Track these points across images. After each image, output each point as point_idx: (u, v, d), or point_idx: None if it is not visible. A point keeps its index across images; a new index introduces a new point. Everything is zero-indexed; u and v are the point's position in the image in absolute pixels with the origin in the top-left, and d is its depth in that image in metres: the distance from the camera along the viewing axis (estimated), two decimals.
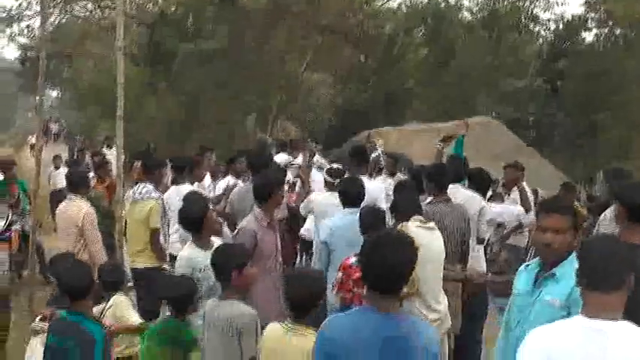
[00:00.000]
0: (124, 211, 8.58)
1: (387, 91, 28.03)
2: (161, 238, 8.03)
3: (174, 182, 9.07)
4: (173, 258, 7.17)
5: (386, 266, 3.73)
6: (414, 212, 6.43)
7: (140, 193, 8.26)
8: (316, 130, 28.22)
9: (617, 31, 27.15)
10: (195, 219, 5.79)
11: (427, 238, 6.24)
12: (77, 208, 8.00)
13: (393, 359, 3.73)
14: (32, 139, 41.30)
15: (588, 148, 24.46)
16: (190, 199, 6.25)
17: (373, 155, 12.15)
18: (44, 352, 5.29)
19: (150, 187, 8.23)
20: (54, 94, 48.36)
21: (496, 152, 16.18)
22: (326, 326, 3.80)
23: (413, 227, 6.27)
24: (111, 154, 17.61)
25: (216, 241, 5.90)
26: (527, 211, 9.39)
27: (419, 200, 6.75)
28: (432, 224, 6.41)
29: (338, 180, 7.82)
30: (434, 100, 27.35)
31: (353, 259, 6.17)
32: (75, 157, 20.80)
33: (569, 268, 4.17)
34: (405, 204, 6.58)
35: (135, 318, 5.76)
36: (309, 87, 24.25)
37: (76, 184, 8.32)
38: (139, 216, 8.09)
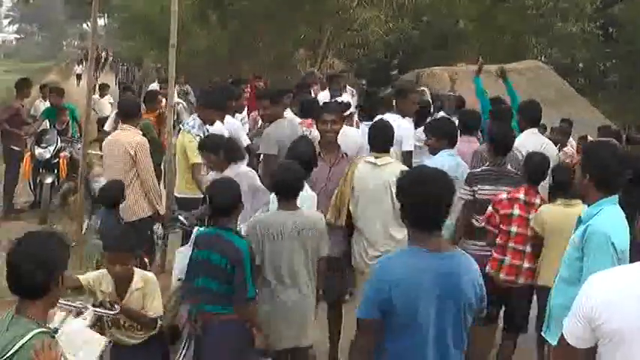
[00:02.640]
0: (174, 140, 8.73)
1: (438, 31, 27.75)
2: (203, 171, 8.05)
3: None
4: None
5: (429, 203, 3.84)
6: (376, 149, 6.93)
7: (188, 123, 8.38)
8: (365, 67, 28.09)
9: None
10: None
11: (369, 174, 6.81)
12: (130, 137, 8.11)
13: (450, 295, 3.84)
14: (78, 69, 41.66)
15: (639, 96, 24.10)
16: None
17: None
18: (190, 265, 5.72)
19: (198, 121, 8.34)
20: (101, 22, 48.43)
21: (544, 97, 15.96)
22: (382, 268, 3.87)
23: (360, 163, 6.96)
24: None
25: None
26: None
27: (390, 137, 7.08)
28: (384, 160, 6.86)
29: None
30: (486, 42, 26.94)
31: (504, 195, 6.56)
32: (126, 85, 20.92)
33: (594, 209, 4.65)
34: (374, 139, 7.05)
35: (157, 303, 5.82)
36: (360, 22, 23.99)
37: (128, 113, 8.41)
38: (181, 148, 8.30)
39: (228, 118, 9.44)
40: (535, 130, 8.32)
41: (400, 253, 4.00)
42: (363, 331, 3.90)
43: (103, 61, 44.30)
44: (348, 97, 13.43)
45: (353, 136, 8.38)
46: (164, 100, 11.24)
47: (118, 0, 29.93)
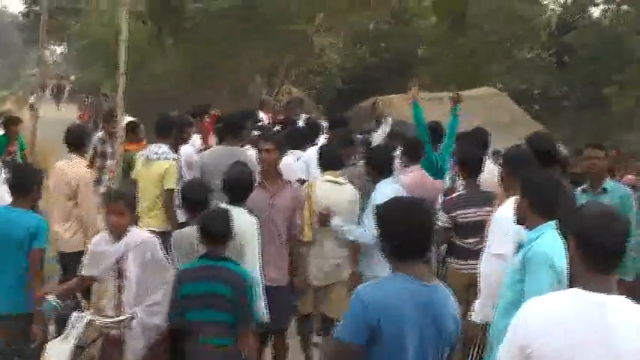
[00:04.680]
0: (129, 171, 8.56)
1: (397, 58, 27.87)
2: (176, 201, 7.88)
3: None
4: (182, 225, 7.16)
5: (417, 232, 3.88)
6: (332, 167, 7.37)
7: (156, 153, 8.21)
8: (324, 94, 28.11)
9: (624, 7, 26.86)
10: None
11: (333, 192, 7.24)
12: (74, 168, 7.93)
13: (433, 326, 3.84)
14: (32, 98, 40.84)
15: (593, 121, 24.37)
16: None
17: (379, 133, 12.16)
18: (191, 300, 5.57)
19: (165, 147, 8.20)
20: (59, 50, 47.93)
21: (499, 122, 16.08)
22: (370, 293, 3.81)
23: (320, 182, 7.39)
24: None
25: None
26: None
27: (340, 156, 7.59)
28: (342, 179, 7.34)
29: None
30: (443, 69, 27.13)
31: None
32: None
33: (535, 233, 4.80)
34: (325, 158, 7.48)
35: None
36: (318, 50, 24.03)
37: (72, 143, 8.22)
38: (154, 176, 8.05)
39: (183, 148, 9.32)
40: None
41: (388, 280, 3.95)
42: (342, 355, 3.85)
43: (62, 90, 43.70)
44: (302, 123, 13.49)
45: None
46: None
47: (74, 27, 29.71)
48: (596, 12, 29.94)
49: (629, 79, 23.97)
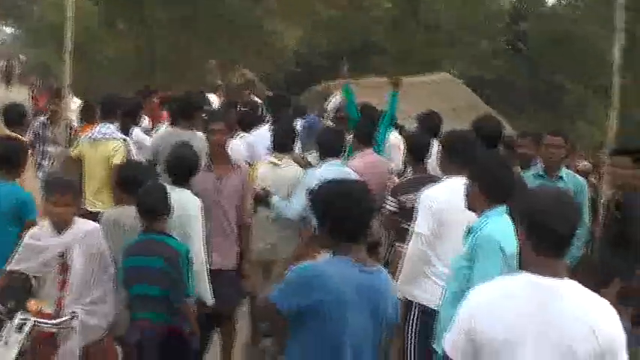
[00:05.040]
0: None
1: (350, 43, 27.73)
2: None
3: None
4: None
5: (356, 214, 3.78)
6: (279, 150, 7.43)
7: (102, 133, 8.02)
8: (277, 78, 27.91)
9: None
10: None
11: (269, 173, 7.27)
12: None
13: (372, 309, 3.77)
14: None
15: (547, 109, 24.53)
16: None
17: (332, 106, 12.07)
18: (130, 273, 5.51)
19: (112, 127, 8.03)
20: (8, 30, 47.00)
21: (454, 109, 16.05)
22: (313, 270, 3.74)
23: (261, 164, 7.47)
24: None
25: None
26: None
27: (291, 139, 7.64)
28: (284, 161, 7.34)
29: None
30: (396, 55, 27.10)
31: None
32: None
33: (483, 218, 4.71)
34: (274, 140, 7.53)
35: None
36: (272, 34, 23.85)
37: (10, 120, 8.06)
38: (101, 156, 7.87)
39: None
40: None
41: (329, 262, 3.85)
42: (276, 320, 3.86)
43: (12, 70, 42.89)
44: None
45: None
46: None
47: (25, 6, 29.17)
48: (550, 0, 30.21)
49: (581, 68, 24.16)
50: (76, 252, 5.35)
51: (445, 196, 5.66)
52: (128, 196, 5.88)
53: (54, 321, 5.23)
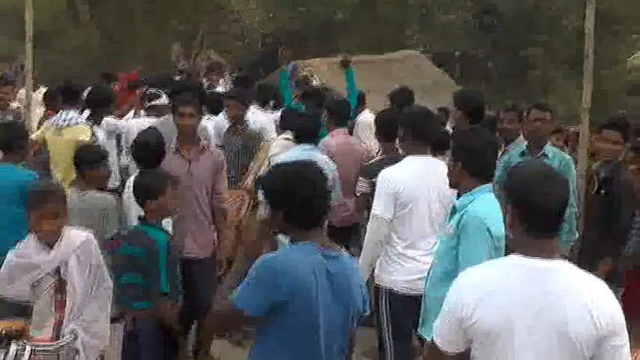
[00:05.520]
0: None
1: (316, 22, 27.50)
2: None
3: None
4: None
5: (317, 199, 3.62)
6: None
7: (65, 119, 7.90)
8: (244, 59, 27.64)
9: None
10: None
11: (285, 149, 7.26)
12: None
13: (340, 298, 3.59)
14: None
15: (516, 85, 24.50)
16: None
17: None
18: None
19: (74, 112, 7.92)
20: None
21: (422, 86, 15.96)
22: (275, 262, 3.51)
23: (277, 141, 7.52)
24: None
25: None
26: None
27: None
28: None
29: None
30: (366, 32, 26.91)
31: None
32: None
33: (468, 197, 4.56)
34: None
35: None
36: (237, 14, 23.57)
37: None
38: (66, 143, 7.75)
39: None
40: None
41: (292, 250, 3.66)
42: (231, 319, 3.63)
43: None
44: (222, 88, 13.30)
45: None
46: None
47: None
48: None
49: (551, 42, 24.13)
50: (72, 266, 4.79)
51: (404, 176, 5.57)
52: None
53: (54, 344, 4.77)
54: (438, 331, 3.15)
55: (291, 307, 3.46)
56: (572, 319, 2.92)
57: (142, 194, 5.60)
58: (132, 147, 6.41)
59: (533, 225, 3.00)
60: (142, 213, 5.61)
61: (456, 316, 3.03)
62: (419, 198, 5.57)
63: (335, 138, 7.95)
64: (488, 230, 4.43)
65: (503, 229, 4.12)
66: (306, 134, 7.44)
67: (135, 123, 9.09)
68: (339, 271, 3.62)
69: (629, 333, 3.01)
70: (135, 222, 5.88)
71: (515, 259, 3.04)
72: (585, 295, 2.95)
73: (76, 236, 4.88)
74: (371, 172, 6.79)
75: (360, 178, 6.98)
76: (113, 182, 7.56)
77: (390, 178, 5.61)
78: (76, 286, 4.78)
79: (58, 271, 4.80)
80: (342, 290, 3.61)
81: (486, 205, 4.47)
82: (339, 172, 7.55)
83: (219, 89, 12.96)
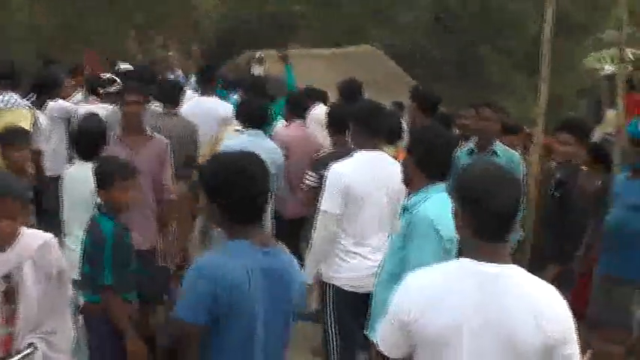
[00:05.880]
0: None
1: (273, 14, 27.32)
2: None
3: None
4: None
5: (256, 194, 3.42)
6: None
7: (5, 101, 7.67)
8: (198, 49, 27.36)
9: None
10: None
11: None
12: None
13: (279, 296, 3.44)
14: None
15: (471, 85, 24.56)
16: None
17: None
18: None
19: (14, 95, 7.68)
20: None
21: (377, 82, 15.91)
22: (207, 266, 3.35)
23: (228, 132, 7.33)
24: None
25: None
26: None
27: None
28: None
29: None
30: (321, 26, 26.80)
31: None
32: None
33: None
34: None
35: None
36: (191, 3, 23.32)
37: None
38: (6, 124, 7.49)
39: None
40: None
41: (227, 249, 3.47)
42: (188, 339, 3.35)
43: None
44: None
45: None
46: None
47: None
48: None
49: (505, 43, 24.23)
50: (27, 272, 3.98)
51: (354, 171, 5.42)
52: None
53: None
54: (382, 334, 3.01)
55: (226, 310, 3.29)
56: (521, 326, 2.79)
57: (96, 183, 5.38)
58: (71, 135, 6.18)
59: (483, 228, 2.85)
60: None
61: (400, 320, 2.89)
62: (368, 194, 5.43)
63: (291, 129, 7.87)
64: (438, 232, 4.27)
65: (454, 231, 3.99)
66: (251, 121, 7.33)
67: (87, 109, 8.82)
68: (277, 268, 3.46)
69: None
70: (68, 213, 5.66)
71: (464, 263, 2.89)
72: (535, 303, 2.82)
73: (33, 238, 4.06)
74: (320, 165, 6.65)
75: (309, 172, 6.84)
76: (60, 169, 7.27)
77: (340, 172, 5.45)
78: (31, 295, 3.96)
79: (8, 277, 3.97)
80: (281, 288, 3.45)
81: (438, 206, 4.29)
82: (292, 163, 7.53)
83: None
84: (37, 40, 22.54)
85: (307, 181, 6.78)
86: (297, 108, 8.17)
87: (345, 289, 5.51)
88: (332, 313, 5.63)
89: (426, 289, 2.87)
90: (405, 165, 4.59)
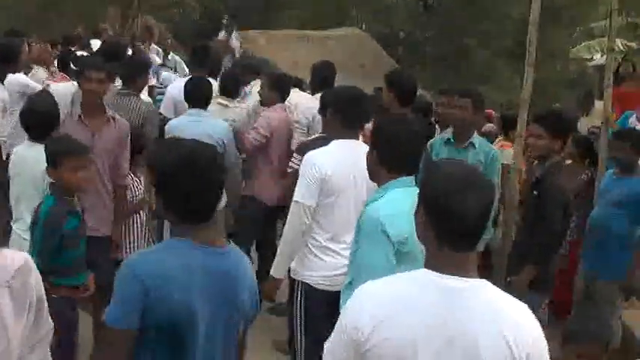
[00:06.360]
0: None
1: None
2: None
3: None
4: None
5: (205, 188, 3.04)
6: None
7: None
8: (182, 28, 27.02)
9: None
10: None
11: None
12: None
13: (225, 300, 3.06)
14: None
15: (454, 70, 24.33)
16: None
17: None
18: None
19: None
20: None
21: (361, 65, 15.64)
22: (141, 265, 2.97)
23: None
24: None
25: None
26: None
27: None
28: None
29: None
30: (306, 8, 26.48)
31: None
32: None
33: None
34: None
35: None
36: None
37: None
38: None
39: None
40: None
41: (163, 248, 3.16)
42: (116, 344, 2.99)
43: None
44: (153, 55, 12.80)
45: None
46: None
47: None
48: None
49: (488, 30, 24.03)
50: (4, 303, 2.91)
51: (331, 162, 4.98)
52: None
53: None
54: (331, 348, 2.67)
55: (160, 313, 2.93)
56: (486, 347, 2.45)
57: (47, 162, 4.98)
58: (20, 114, 5.78)
59: (447, 237, 2.50)
60: None
61: (350, 338, 2.53)
62: (345, 186, 4.98)
63: (276, 111, 7.53)
64: (386, 233, 3.81)
65: (410, 232, 3.64)
66: (193, 99, 7.31)
67: (55, 88, 8.39)
68: (222, 268, 3.08)
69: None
70: (18, 196, 5.33)
71: (424, 274, 2.53)
72: (503, 321, 2.48)
73: (10, 259, 3.00)
74: (306, 149, 6.23)
75: (295, 155, 6.44)
76: None
77: (317, 162, 5.01)
78: (10, 331, 2.92)
79: None
80: (227, 290, 3.08)
81: (391, 204, 3.87)
82: (275, 147, 7.39)
83: (152, 56, 12.41)
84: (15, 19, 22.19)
85: (291, 164, 6.40)
86: (281, 91, 7.78)
87: (317, 287, 5.11)
88: (301, 312, 5.23)
89: (380, 305, 2.50)
90: (367, 158, 4.21)
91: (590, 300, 6.33)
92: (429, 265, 2.55)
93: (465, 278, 2.49)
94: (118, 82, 7.86)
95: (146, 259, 3.02)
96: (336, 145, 5.10)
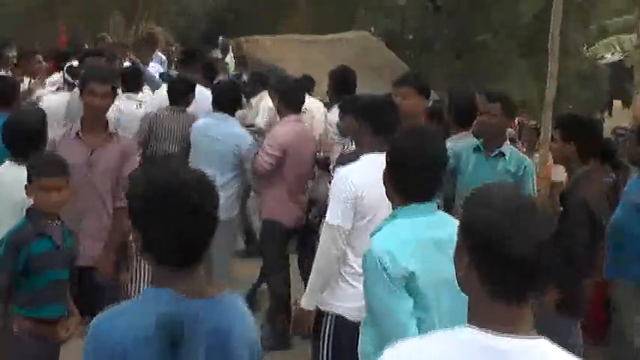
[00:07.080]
0: None
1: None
2: None
3: None
4: None
5: (188, 229, 2.48)
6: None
7: None
8: (188, 34, 26.82)
9: None
10: None
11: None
12: None
13: (211, 352, 2.51)
14: None
15: (466, 68, 23.97)
16: None
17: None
18: None
19: None
20: None
21: (371, 67, 15.33)
22: (105, 332, 2.47)
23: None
24: None
25: None
26: None
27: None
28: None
29: None
30: (314, 12, 26.23)
31: None
32: None
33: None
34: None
35: None
36: None
37: None
38: None
39: None
40: None
41: (145, 301, 2.55)
42: None
43: None
44: (156, 64, 12.55)
45: None
46: None
47: None
48: None
49: (502, 27, 23.71)
50: None
51: (366, 180, 4.45)
52: None
53: None
54: None
55: None
56: None
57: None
58: (3, 128, 5.35)
59: (498, 284, 2.06)
60: None
61: None
62: (379, 205, 4.43)
63: (291, 126, 7.00)
64: (385, 270, 3.31)
65: (416, 267, 3.16)
66: (218, 104, 7.16)
67: (47, 100, 8.05)
68: (216, 324, 2.53)
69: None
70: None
71: (468, 334, 2.07)
72: None
73: None
74: (346, 162, 5.74)
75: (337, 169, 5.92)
76: None
77: (352, 180, 4.55)
78: None
79: None
80: (216, 347, 2.52)
81: (393, 236, 3.40)
82: (291, 166, 6.94)
83: (153, 64, 12.11)
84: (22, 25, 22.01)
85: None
86: (292, 100, 7.22)
87: (349, 318, 4.59)
88: (328, 345, 4.76)
89: None
90: (384, 180, 3.67)
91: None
92: (472, 319, 2.11)
93: (519, 336, 2.05)
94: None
95: (110, 322, 2.51)
96: (367, 160, 4.63)
